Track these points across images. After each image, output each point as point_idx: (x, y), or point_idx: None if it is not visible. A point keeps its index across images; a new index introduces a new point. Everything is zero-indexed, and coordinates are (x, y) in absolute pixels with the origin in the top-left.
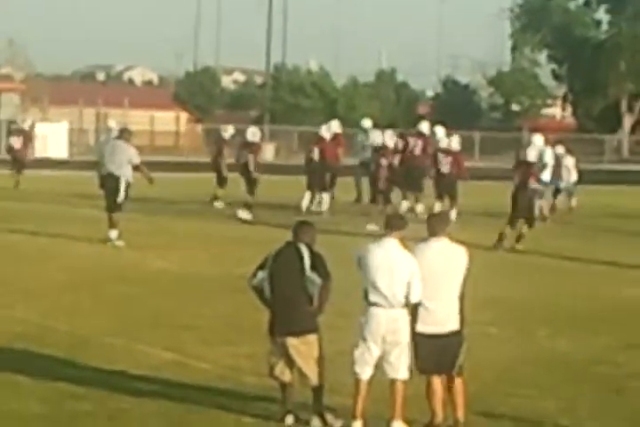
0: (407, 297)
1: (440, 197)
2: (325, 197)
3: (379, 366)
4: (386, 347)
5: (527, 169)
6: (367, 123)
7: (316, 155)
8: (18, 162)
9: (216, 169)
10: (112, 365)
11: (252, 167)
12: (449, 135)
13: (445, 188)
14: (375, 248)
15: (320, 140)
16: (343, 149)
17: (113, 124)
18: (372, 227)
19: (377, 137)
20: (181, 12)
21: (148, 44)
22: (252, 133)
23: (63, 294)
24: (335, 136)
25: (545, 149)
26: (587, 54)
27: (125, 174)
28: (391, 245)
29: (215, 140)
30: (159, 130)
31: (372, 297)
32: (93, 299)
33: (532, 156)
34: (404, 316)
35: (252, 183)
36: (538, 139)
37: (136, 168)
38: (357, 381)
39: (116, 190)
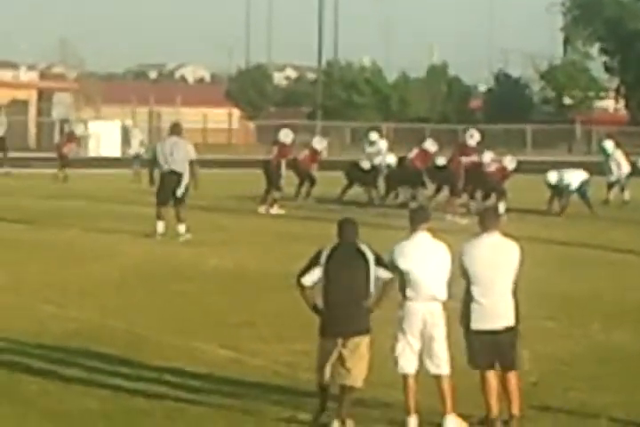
0: (448, 288)
1: (439, 189)
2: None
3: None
4: (425, 342)
5: None
6: (374, 136)
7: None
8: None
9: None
10: (168, 362)
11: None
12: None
13: (443, 179)
14: (409, 243)
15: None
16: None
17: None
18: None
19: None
20: (232, 9)
21: (200, 42)
22: (285, 135)
23: (118, 292)
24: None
25: (614, 151)
26: (639, 47)
27: (187, 170)
28: (424, 238)
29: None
30: (212, 127)
31: (410, 292)
32: (149, 297)
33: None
34: (441, 310)
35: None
36: (608, 143)
37: (190, 164)
38: (405, 376)
39: (178, 186)
